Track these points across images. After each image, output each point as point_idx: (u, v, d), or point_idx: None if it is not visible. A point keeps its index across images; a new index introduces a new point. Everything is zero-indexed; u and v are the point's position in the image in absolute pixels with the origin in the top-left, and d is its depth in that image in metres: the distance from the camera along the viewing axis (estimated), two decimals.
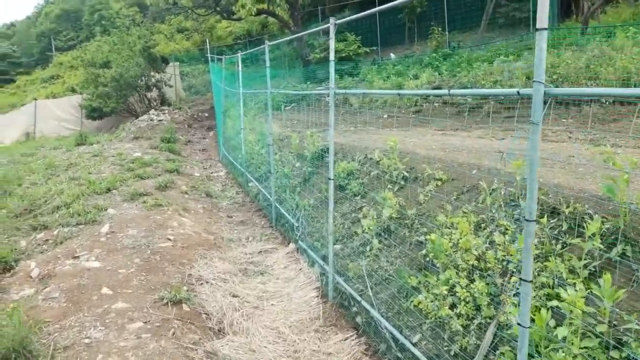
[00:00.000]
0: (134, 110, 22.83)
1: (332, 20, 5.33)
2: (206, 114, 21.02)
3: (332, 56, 5.44)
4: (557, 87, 11.89)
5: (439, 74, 16.38)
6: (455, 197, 5.53)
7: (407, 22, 20.39)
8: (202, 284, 5.86)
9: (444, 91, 4.25)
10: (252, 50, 10.92)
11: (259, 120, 15.11)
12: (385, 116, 14.96)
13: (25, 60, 69.57)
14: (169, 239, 6.99)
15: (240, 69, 11.04)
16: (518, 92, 2.76)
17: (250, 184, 11.01)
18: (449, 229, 4.90)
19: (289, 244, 7.64)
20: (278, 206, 8.61)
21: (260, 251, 7.36)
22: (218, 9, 22.17)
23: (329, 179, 5.72)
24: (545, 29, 2.53)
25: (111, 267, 5.81)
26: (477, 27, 21.47)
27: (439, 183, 5.98)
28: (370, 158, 7.78)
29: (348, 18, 5.34)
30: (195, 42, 34.46)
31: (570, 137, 7.75)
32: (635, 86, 9.85)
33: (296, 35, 9.41)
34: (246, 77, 18.17)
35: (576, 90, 2.70)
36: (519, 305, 2.92)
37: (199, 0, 22.41)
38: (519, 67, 14.04)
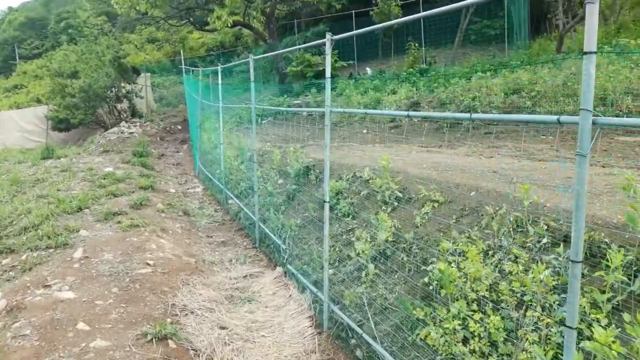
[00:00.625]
0: (103, 122, 22.07)
1: (328, 36, 5.05)
2: (179, 127, 20.46)
3: (328, 73, 5.17)
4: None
5: (417, 90, 16.33)
6: (454, 221, 5.29)
7: (384, 37, 20.37)
8: (186, 314, 5.43)
9: (465, 115, 4.01)
10: (236, 63, 10.59)
11: (235, 134, 14.71)
12: (365, 131, 14.79)
13: None
14: (148, 264, 6.53)
15: (220, 81, 10.66)
16: (558, 120, 2.51)
17: (230, 201, 10.59)
18: (454, 255, 4.65)
19: (275, 267, 7.27)
20: (262, 226, 8.24)
21: (246, 275, 6.96)
22: (191, 19, 21.71)
23: (324, 201, 5.41)
24: (594, 52, 2.29)
25: (87, 298, 5.33)
26: (450, 43, 21.65)
27: (436, 205, 5.74)
28: (359, 177, 7.52)
29: (346, 34, 5.06)
30: (166, 52, 33.82)
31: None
32: (612, 103, 9.94)
33: (287, 49, 9.10)
34: (224, 90, 17.75)
35: (629, 120, 2.45)
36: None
37: (172, 10, 21.90)
38: (496, 84, 14.08)
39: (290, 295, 6.19)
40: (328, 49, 5.10)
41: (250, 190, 10.34)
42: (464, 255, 4.57)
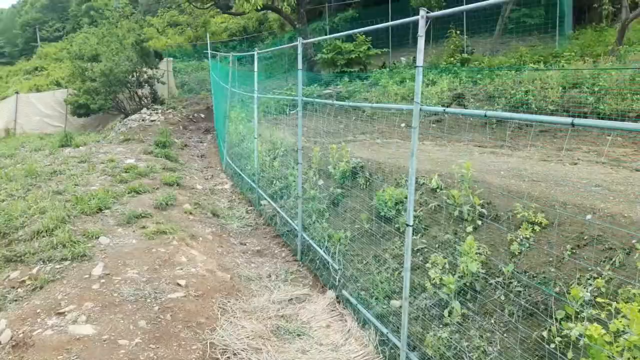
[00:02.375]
0: (124, 108, 21.11)
1: (422, 12, 3.89)
2: (202, 115, 19.41)
3: (420, 60, 4.01)
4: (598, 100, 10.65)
5: (459, 81, 15.06)
6: (569, 252, 4.15)
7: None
8: (229, 357, 4.37)
9: (566, 119, 2.85)
10: (282, 47, 9.28)
11: (265, 125, 13.62)
12: (403, 125, 13.61)
13: (8, 49, 66.83)
14: (180, 284, 5.49)
15: (256, 68, 9.53)
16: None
17: (262, 202, 9.52)
18: (586, 306, 3.52)
19: (325, 289, 6.19)
20: (306, 237, 7.14)
21: (291, 299, 5.88)
22: (216, 1, 20.55)
23: (407, 225, 4.27)
24: None
25: (108, 335, 4.30)
26: (487, 32, 20.23)
27: (537, 228, 4.59)
28: (422, 183, 6.38)
29: (447, 11, 3.91)
30: (188, 37, 32.73)
31: None
32: None
33: (347, 32, 7.87)
34: (244, 76, 16.59)
35: None
36: None
37: None
38: (551, 76, 12.80)
39: (348, 330, 5.11)
40: (422, 29, 3.94)
41: (285, 190, 9.26)
42: (602, 308, 3.44)
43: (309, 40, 6.64)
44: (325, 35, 22.91)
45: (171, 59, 24.81)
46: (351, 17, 24.85)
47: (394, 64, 19.16)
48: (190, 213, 8.57)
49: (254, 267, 7.03)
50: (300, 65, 6.89)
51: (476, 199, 5.26)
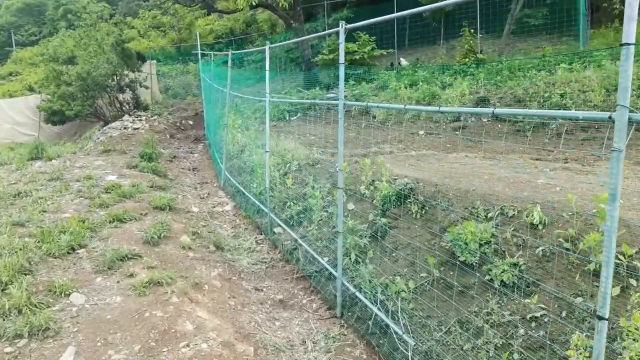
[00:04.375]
0: (103, 115, 19.02)
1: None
2: (190, 122, 17.46)
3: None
4: None
5: (476, 83, 13.47)
6: None
7: (433, 21, 17.37)
8: None
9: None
10: (291, 41, 7.26)
11: (261, 133, 11.80)
12: (422, 133, 11.95)
13: None
14: None
15: (267, 67, 7.71)
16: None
17: (276, 229, 7.69)
18: None
19: None
20: (347, 284, 5.34)
21: None
22: (208, 1, 18.66)
23: (601, 317, 2.53)
24: None
25: None
26: (494, 32, 18.75)
27: None
28: (512, 215, 4.67)
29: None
30: (171, 39, 30.66)
31: None
32: None
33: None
34: (242, 79, 14.78)
35: None
36: None
37: None
38: (588, 77, 11.31)
39: None
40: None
41: (303, 215, 7.47)
42: None
43: (352, 25, 4.82)
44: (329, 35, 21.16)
45: (154, 61, 22.79)
46: (346, 17, 23.20)
47: (391, 64, 17.52)
48: (189, 248, 6.69)
49: (279, 327, 5.21)
50: (342, 59, 5.11)
51: (626, 247, 3.56)
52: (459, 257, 4.63)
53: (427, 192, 5.72)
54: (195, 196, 10.04)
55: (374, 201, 6.36)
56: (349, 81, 15.48)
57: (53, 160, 12.16)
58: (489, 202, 4.97)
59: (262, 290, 6.12)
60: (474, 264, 4.50)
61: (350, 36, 16.86)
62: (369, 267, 5.40)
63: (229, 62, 10.07)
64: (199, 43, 19.13)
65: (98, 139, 15.52)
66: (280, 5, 15.21)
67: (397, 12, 5.02)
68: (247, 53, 17.93)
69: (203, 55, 17.73)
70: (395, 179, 6.46)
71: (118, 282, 5.21)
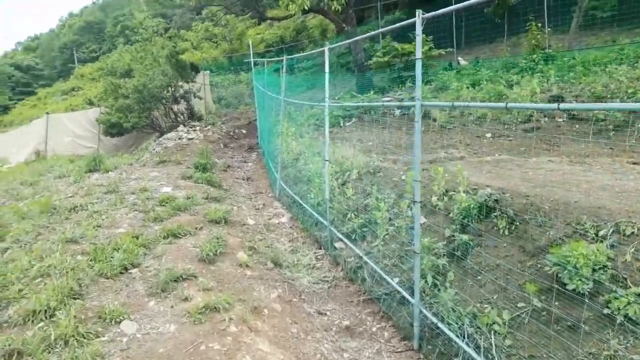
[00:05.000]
0: (159, 126, 19.14)
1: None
2: (243, 131, 17.21)
3: None
4: None
5: (547, 80, 12.39)
6: None
7: (495, 16, 16.36)
8: None
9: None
10: (354, 39, 6.46)
11: (316, 140, 11.24)
12: (489, 135, 11.04)
13: (47, 72, 66.98)
14: None
15: (327, 69, 7.15)
16: None
17: (337, 243, 7.08)
18: None
19: None
20: (427, 313, 4.63)
21: None
22: (257, 7, 18.41)
23: None
24: None
25: None
26: (560, 26, 17.46)
27: None
28: (629, 233, 3.84)
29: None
30: (223, 50, 30.87)
31: None
32: None
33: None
34: (293, 85, 14.33)
35: None
36: None
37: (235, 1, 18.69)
38: None
39: None
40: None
41: (367, 228, 6.82)
42: None
43: (431, 14, 4.12)
44: (373, 39, 20.50)
45: (207, 72, 22.84)
46: (399, 18, 22.46)
47: (449, 64, 16.57)
48: (247, 265, 6.18)
49: (348, 359, 4.58)
50: (419, 53, 4.46)
51: None
52: (566, 284, 3.86)
53: (517, 204, 4.95)
54: (251, 207, 9.59)
55: (451, 214, 5.63)
56: (405, 83, 14.73)
57: (110, 172, 12.10)
58: (597, 216, 4.16)
59: (325, 314, 5.51)
60: (587, 292, 3.71)
61: (405, 36, 16.12)
62: (450, 291, 4.68)
63: (284, 68, 9.59)
64: (251, 52, 18.91)
65: (154, 150, 15.49)
66: (332, 8, 14.67)
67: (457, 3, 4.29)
68: (298, 60, 17.54)
69: (255, 63, 17.47)
70: (475, 189, 5.71)
71: (172, 306, 4.75)
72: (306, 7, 14.03)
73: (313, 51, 9.80)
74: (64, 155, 19.69)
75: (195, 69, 20.84)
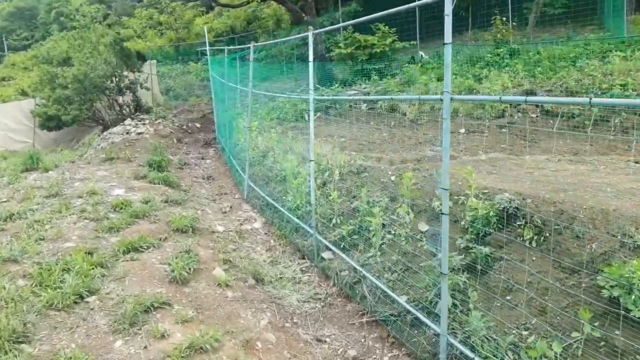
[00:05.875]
0: (102, 119, 17.49)
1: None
2: (197, 125, 15.97)
3: None
4: None
5: (515, 75, 12.08)
6: None
7: (459, 8, 15.95)
8: None
9: None
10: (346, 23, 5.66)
11: (284, 136, 10.35)
12: (463, 131, 10.58)
13: None
14: None
15: (311, 58, 6.25)
16: None
17: (325, 254, 6.25)
18: None
19: None
20: (455, 342, 3.90)
21: None
22: None
23: None
24: None
25: None
26: (517, 22, 17.36)
27: None
28: None
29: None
30: (169, 38, 29.08)
31: None
32: None
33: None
34: (258, 72, 13.40)
35: None
36: None
37: None
38: None
39: None
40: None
41: (359, 236, 6.05)
42: None
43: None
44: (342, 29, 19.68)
45: (154, 61, 21.25)
46: (354, 11, 21.78)
47: (412, 58, 16.06)
48: (226, 284, 5.24)
49: None
50: (449, 37, 3.70)
51: None
52: (630, 310, 3.24)
53: (543, 212, 4.32)
54: (217, 211, 8.58)
55: (462, 222, 4.95)
56: (370, 76, 14.06)
57: (50, 172, 10.65)
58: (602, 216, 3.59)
59: (325, 341, 4.69)
60: None
61: (367, 28, 15.44)
62: (475, 314, 3.99)
63: (251, 55, 8.59)
64: (207, 40, 17.57)
65: (99, 145, 14.02)
66: None
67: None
68: (258, 49, 16.44)
69: (210, 53, 16.24)
70: (485, 193, 5.06)
71: (145, 347, 3.77)
72: None
73: (294, 36, 8.88)
74: None
75: (141, 57, 19.27)
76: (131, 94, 17.58)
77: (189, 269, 5.26)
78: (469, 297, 4.21)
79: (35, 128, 18.61)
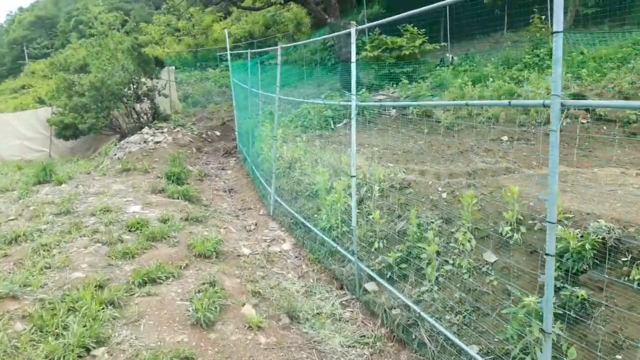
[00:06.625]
0: (119, 127, 16.89)
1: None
2: (217, 133, 15.24)
3: None
4: None
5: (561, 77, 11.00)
6: None
7: (493, 7, 14.93)
8: None
9: None
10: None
11: (309, 143, 9.53)
12: (506, 139, 9.67)
13: None
14: None
15: (354, 58, 5.43)
16: None
17: (368, 285, 5.39)
18: None
19: None
20: None
21: None
22: None
23: None
24: None
25: None
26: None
27: None
28: None
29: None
30: (187, 44, 28.53)
31: None
32: None
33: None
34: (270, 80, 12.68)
35: None
36: None
37: None
38: None
39: None
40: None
41: (409, 265, 5.18)
42: None
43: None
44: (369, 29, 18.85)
45: (173, 67, 20.65)
46: (377, 13, 20.93)
47: (441, 60, 15.14)
48: (258, 327, 4.41)
49: None
50: (559, 24, 2.83)
51: None
52: None
53: None
54: (241, 229, 7.77)
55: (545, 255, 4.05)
56: (399, 80, 13.18)
57: (63, 184, 9.99)
58: None
59: None
60: None
61: (394, 29, 14.57)
62: None
63: (279, 58, 7.79)
64: (227, 44, 16.85)
65: (115, 155, 13.37)
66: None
67: None
68: (266, 55, 15.67)
69: (231, 57, 15.53)
70: (568, 216, 4.16)
71: None
72: None
73: (331, 35, 8.06)
74: (12, 160, 17.16)
75: (160, 63, 18.65)
76: (149, 101, 16.96)
77: (215, 307, 4.44)
78: (566, 355, 3.32)
79: (52, 137, 18.09)
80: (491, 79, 11.36)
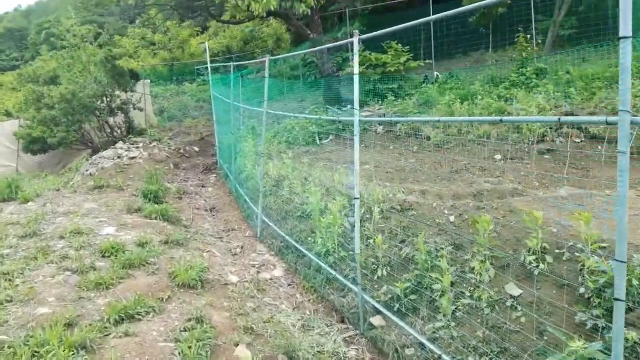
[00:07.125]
0: (91, 141, 16.00)
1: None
2: (195, 148, 14.55)
3: None
4: None
5: (548, 96, 10.89)
6: None
7: (479, 25, 14.79)
8: None
9: None
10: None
11: (298, 162, 8.99)
12: (499, 157, 9.36)
13: None
14: None
15: (356, 69, 4.95)
16: None
17: (373, 319, 4.83)
18: None
19: None
20: None
21: None
22: (211, 11, 15.89)
23: None
24: None
25: None
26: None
27: None
28: None
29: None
30: (163, 58, 27.80)
31: None
32: None
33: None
34: (250, 93, 12.23)
35: None
36: None
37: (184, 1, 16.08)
38: None
39: None
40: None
41: (419, 297, 4.66)
42: None
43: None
44: (341, 48, 18.59)
45: (148, 80, 19.90)
46: (358, 30, 20.71)
47: (425, 77, 14.92)
48: None
49: None
50: (627, 29, 2.44)
51: None
52: None
53: None
54: (225, 252, 7.13)
55: (582, 289, 3.60)
56: (384, 97, 12.84)
57: (30, 202, 9.17)
58: None
59: None
60: None
61: (377, 46, 14.29)
62: None
63: (266, 71, 7.27)
64: (208, 57, 16.21)
65: (87, 171, 12.53)
66: (301, 11, 12.57)
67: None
68: (245, 69, 15.17)
69: (212, 70, 14.95)
70: (602, 247, 3.73)
71: None
72: (272, 8, 11.80)
73: (334, 44, 7.61)
74: None
75: (135, 76, 17.88)
76: (123, 114, 16.18)
77: (205, 351, 3.81)
78: None
79: (19, 151, 17.04)
80: (479, 97, 11.11)
